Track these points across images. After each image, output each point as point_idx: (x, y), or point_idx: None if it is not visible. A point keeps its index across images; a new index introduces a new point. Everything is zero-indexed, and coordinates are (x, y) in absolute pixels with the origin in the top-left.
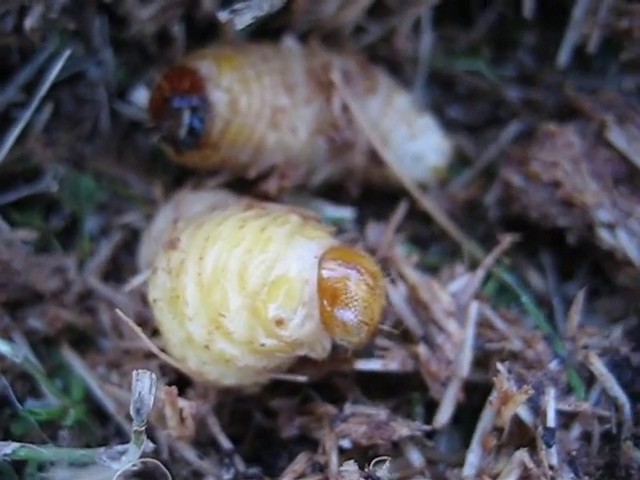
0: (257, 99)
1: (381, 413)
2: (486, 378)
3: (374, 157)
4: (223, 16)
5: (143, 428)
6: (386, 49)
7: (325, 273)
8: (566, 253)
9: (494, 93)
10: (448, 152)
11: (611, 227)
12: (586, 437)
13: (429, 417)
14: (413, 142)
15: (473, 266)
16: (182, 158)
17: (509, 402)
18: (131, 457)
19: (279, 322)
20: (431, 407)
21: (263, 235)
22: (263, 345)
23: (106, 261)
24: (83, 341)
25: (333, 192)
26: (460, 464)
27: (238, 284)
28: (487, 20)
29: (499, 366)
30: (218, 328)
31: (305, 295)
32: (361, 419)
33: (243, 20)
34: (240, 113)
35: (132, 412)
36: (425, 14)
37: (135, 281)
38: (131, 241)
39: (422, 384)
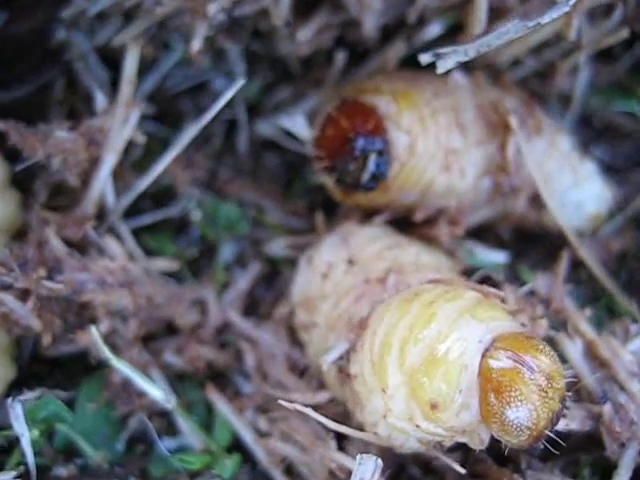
0: (432, 140)
1: None
2: None
3: (534, 202)
4: (425, 59)
5: None
6: (539, 83)
7: (490, 362)
8: None
9: (638, 132)
10: (609, 201)
11: None
12: None
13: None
14: (576, 189)
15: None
16: (348, 198)
17: None
18: None
19: (434, 406)
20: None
21: (428, 310)
22: (418, 427)
23: (244, 294)
24: (218, 377)
25: (481, 233)
26: None
27: (398, 360)
28: (633, 55)
29: None
30: (385, 403)
31: (463, 382)
32: None
33: (446, 64)
34: (416, 155)
35: None
36: (584, 53)
37: (330, 357)
38: (269, 273)
39: (589, 444)
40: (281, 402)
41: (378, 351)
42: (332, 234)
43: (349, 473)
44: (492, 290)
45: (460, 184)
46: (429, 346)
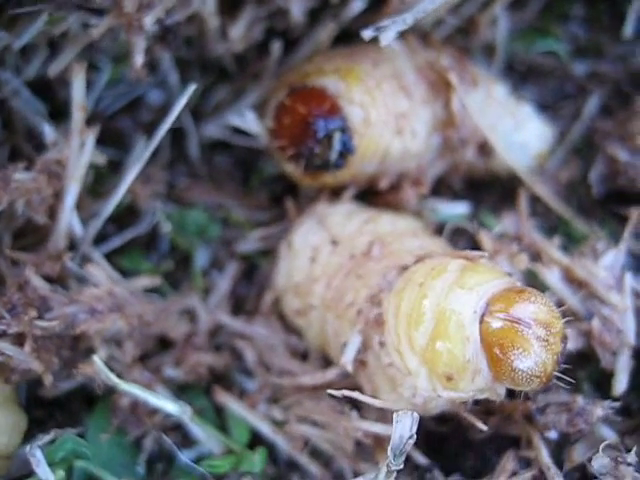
0: (382, 108)
1: (577, 399)
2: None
3: (482, 150)
4: (367, 34)
5: (400, 467)
6: (462, 39)
7: (489, 327)
8: None
9: (561, 69)
10: (549, 137)
11: None
12: None
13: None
14: (518, 132)
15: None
16: (315, 181)
17: None
18: None
19: (449, 378)
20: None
21: (420, 293)
22: (440, 397)
23: (228, 295)
24: (219, 381)
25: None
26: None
27: (409, 346)
28: None
29: None
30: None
31: (468, 352)
32: (558, 408)
33: (388, 36)
34: (371, 125)
35: (391, 454)
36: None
37: (348, 356)
38: (247, 269)
39: (583, 360)
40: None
41: (396, 342)
42: (308, 218)
43: (375, 438)
44: (474, 253)
45: (413, 145)
46: (429, 328)
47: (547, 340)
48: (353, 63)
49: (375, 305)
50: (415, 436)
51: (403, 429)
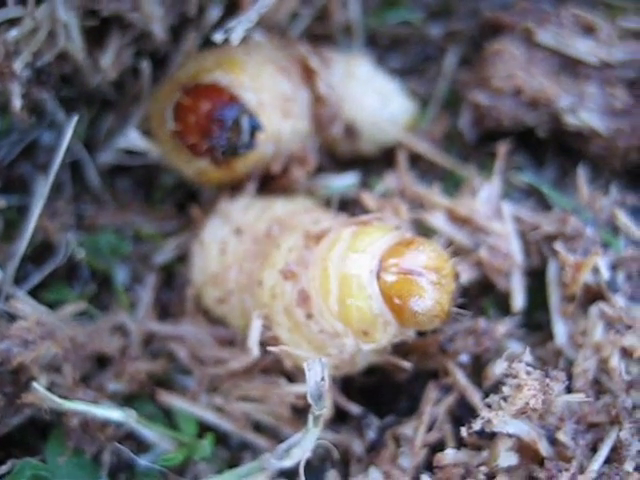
0: (267, 90)
1: (479, 320)
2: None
3: (349, 130)
4: (218, 37)
5: (323, 411)
6: (320, 27)
7: (385, 282)
8: (530, 149)
9: (418, 35)
10: (414, 109)
11: (574, 111)
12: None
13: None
14: (385, 108)
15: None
16: (228, 169)
17: (581, 270)
18: (309, 444)
19: (365, 333)
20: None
21: (323, 265)
22: (361, 350)
23: (152, 304)
24: (161, 386)
25: None
26: (544, 341)
27: (330, 313)
28: None
29: (557, 246)
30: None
31: (374, 308)
32: (465, 333)
33: (238, 35)
34: (263, 106)
35: (311, 400)
36: None
37: (252, 340)
38: (166, 277)
39: (483, 289)
40: None
41: (321, 311)
42: (213, 216)
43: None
44: (368, 216)
45: (300, 126)
46: (336, 294)
47: (439, 282)
48: (230, 55)
49: (289, 279)
50: (327, 379)
51: (315, 375)
